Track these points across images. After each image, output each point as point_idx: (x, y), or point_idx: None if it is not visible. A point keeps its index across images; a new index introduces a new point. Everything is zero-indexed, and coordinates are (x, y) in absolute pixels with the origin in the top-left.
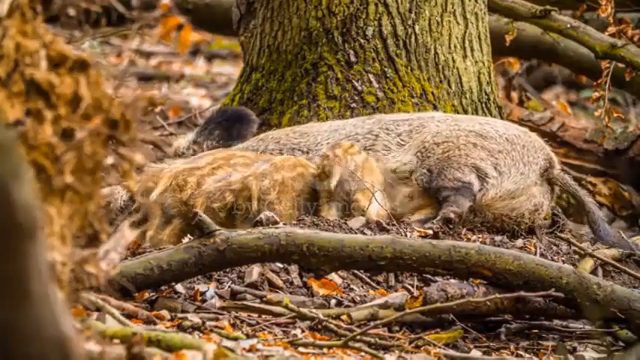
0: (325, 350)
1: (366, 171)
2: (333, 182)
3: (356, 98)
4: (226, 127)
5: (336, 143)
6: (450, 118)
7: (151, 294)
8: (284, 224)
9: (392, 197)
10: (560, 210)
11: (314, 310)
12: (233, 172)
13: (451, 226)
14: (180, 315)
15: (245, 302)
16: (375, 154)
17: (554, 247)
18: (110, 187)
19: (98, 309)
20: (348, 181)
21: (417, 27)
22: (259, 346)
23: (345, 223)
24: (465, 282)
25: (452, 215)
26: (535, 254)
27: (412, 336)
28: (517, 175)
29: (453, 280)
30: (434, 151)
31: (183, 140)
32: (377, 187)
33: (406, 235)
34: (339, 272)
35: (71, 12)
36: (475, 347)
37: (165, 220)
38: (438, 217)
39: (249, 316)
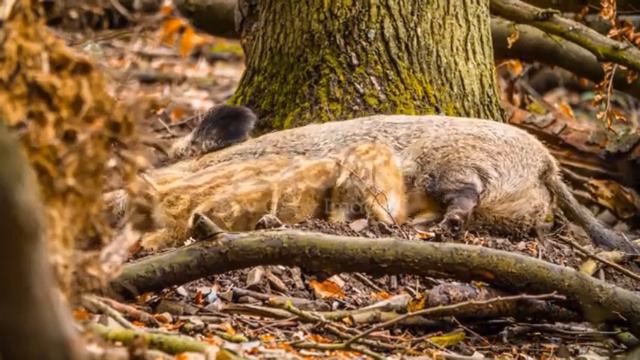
0: (327, 353)
1: (379, 176)
2: (338, 185)
3: (358, 101)
4: (223, 126)
5: (353, 148)
6: (447, 122)
7: (153, 296)
8: (286, 226)
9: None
10: (561, 212)
11: (316, 313)
12: (240, 184)
13: (457, 228)
14: (182, 317)
15: (247, 305)
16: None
17: (556, 250)
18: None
19: (100, 311)
20: (357, 186)
21: (419, 29)
22: (261, 348)
23: (348, 226)
24: (467, 284)
25: (457, 217)
26: (537, 257)
27: (414, 338)
28: (516, 178)
29: (455, 283)
30: (433, 156)
31: (182, 142)
32: (392, 191)
33: (408, 238)
34: (342, 275)
35: (73, 14)
36: (477, 350)
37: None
38: (444, 220)
39: (251, 318)
